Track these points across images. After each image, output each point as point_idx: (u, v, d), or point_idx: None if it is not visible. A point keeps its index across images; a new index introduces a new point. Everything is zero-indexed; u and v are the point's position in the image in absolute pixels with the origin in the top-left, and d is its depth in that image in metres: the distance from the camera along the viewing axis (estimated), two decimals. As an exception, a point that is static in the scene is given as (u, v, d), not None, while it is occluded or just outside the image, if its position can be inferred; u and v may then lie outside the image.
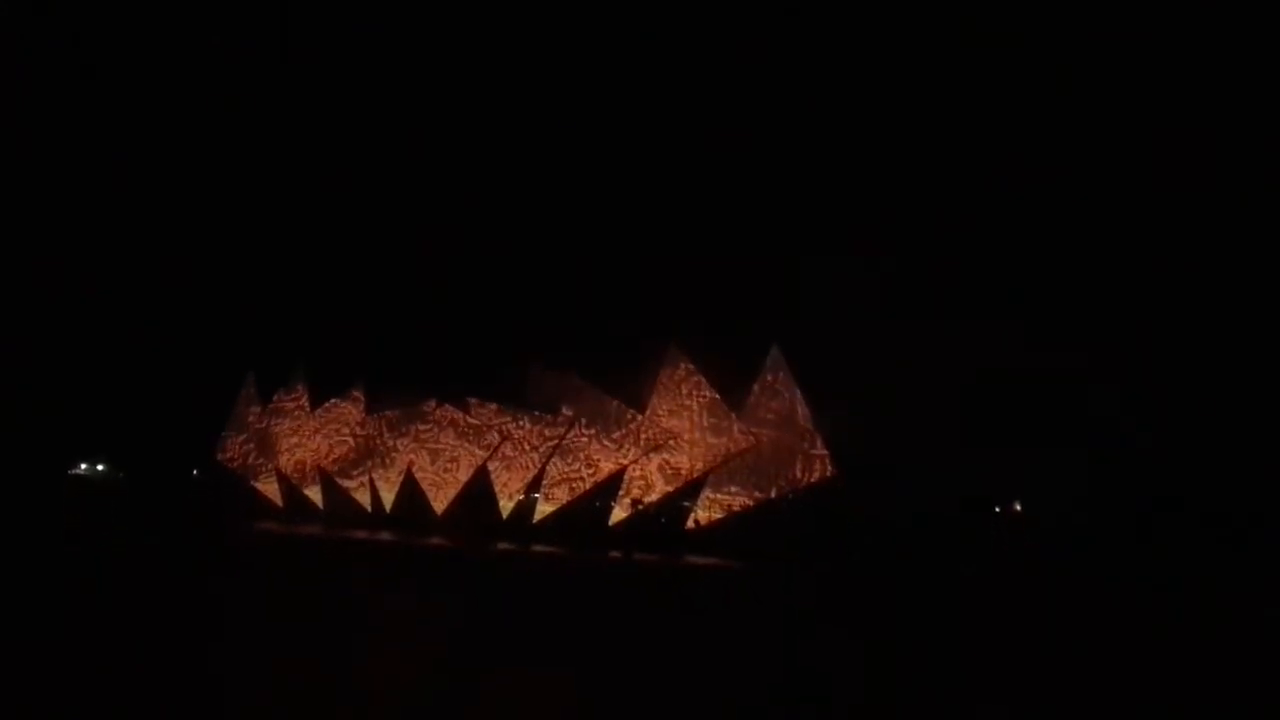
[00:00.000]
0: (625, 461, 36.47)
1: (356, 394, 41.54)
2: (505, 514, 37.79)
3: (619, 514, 36.33)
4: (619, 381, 37.47)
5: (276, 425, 42.61)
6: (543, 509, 37.51)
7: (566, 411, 37.85)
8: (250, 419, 43.51)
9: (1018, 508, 45.23)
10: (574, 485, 37.07)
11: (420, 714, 9.56)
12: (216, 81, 76.27)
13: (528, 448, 37.97)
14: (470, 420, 39.06)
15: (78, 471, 67.21)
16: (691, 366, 36.39)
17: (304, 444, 41.82)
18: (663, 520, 36.73)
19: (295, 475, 42.00)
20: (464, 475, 38.58)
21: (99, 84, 74.57)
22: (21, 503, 39.60)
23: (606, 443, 36.82)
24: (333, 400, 41.85)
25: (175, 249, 65.73)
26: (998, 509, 45.49)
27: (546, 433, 37.79)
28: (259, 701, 9.73)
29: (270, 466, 42.58)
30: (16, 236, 62.74)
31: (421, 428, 39.76)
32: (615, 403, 37.09)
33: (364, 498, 40.20)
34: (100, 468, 68.25)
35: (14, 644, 11.69)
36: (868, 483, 37.27)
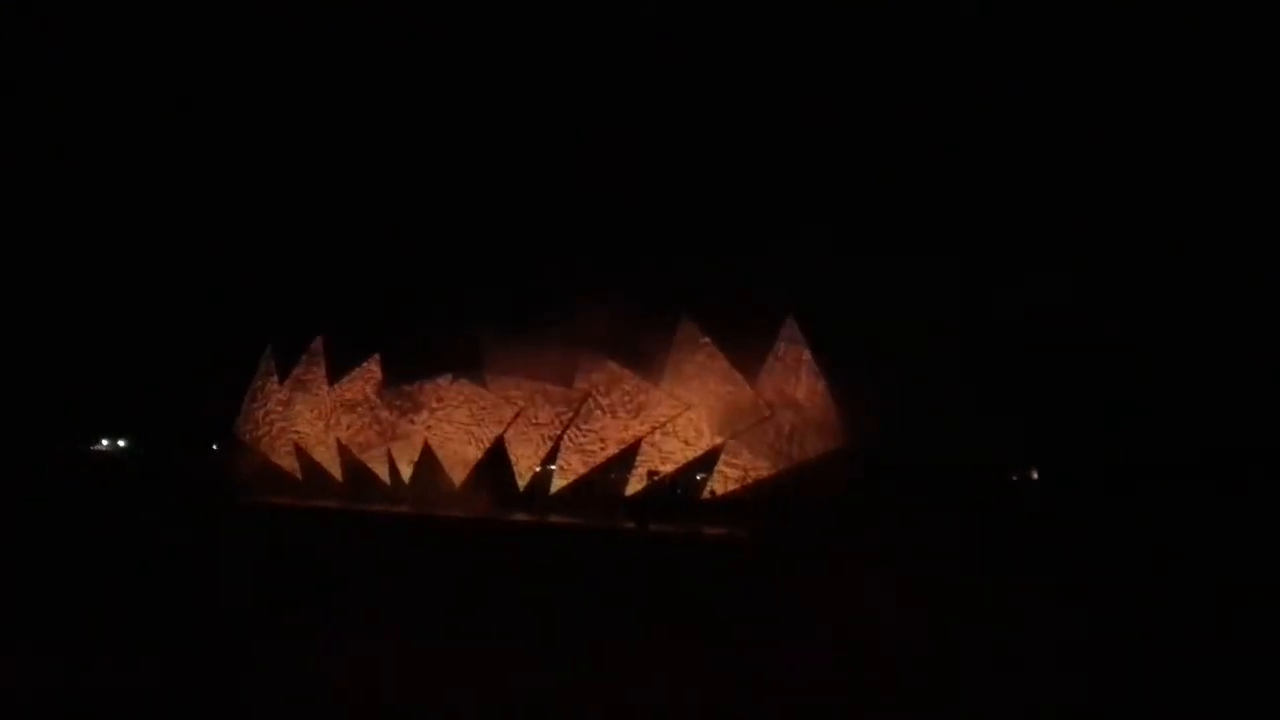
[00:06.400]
0: (640, 433, 36.64)
1: (373, 368, 41.75)
2: (521, 486, 38.09)
3: (634, 485, 36.56)
4: (633, 355, 37.53)
5: (295, 399, 42.86)
6: (559, 481, 37.79)
7: (581, 385, 37.97)
8: (269, 393, 43.74)
9: (1035, 476, 45.23)
10: (589, 457, 37.30)
11: (440, 685, 9.68)
12: (236, 59, 76.14)
13: (543, 421, 38.16)
14: (486, 394, 39.23)
15: (99, 448, 67.85)
16: (706, 339, 36.46)
17: (322, 417, 42.10)
18: (678, 491, 36.96)
19: (313, 449, 42.33)
20: (480, 448, 38.83)
21: (116, 60, 74.60)
22: (42, 480, 40.12)
23: (621, 415, 36.98)
24: (350, 374, 42.06)
25: (193, 225, 65.93)
26: (1015, 477, 45.51)
27: (561, 406, 37.96)
28: (282, 675, 9.89)
29: (289, 440, 42.90)
30: (37, 212, 63.14)
31: (438, 401, 39.97)
32: (630, 375, 37.20)
33: (382, 471, 40.52)
34: (122, 444, 68.83)
35: (35, 625, 11.86)
36: (884, 455, 37.30)
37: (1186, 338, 43.09)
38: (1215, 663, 11.88)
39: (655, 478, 36.18)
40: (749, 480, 35.57)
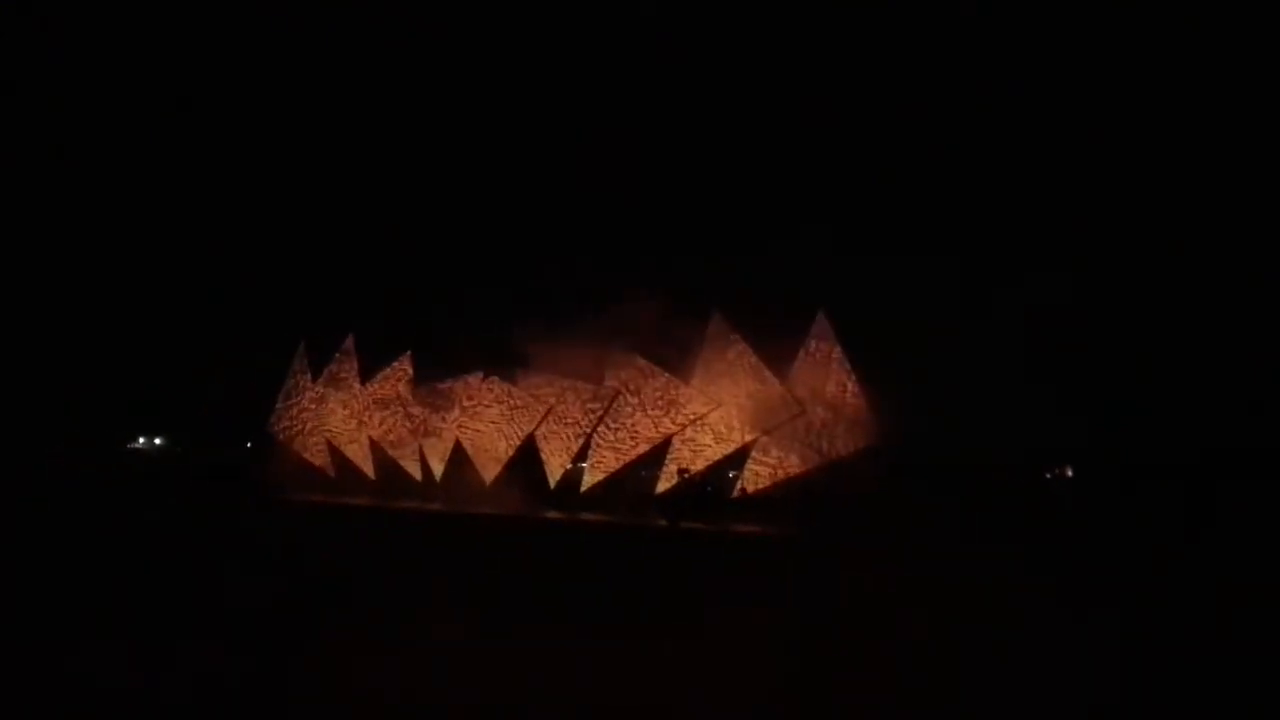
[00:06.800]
0: (671, 430, 36.61)
1: (405, 365, 42.05)
2: (553, 483, 38.21)
3: (665, 483, 36.53)
4: (663, 352, 37.48)
5: (327, 396, 43.26)
6: (589, 478, 37.86)
7: (611, 382, 37.99)
8: (302, 390, 44.17)
9: (1070, 473, 44.64)
10: (620, 454, 37.33)
11: (470, 682, 9.70)
12: (268, 52, 77.01)
13: (574, 418, 38.25)
14: (517, 391, 39.39)
15: (136, 446, 68.84)
16: (736, 335, 36.34)
17: (354, 415, 42.48)
18: (709, 489, 36.87)
19: (346, 446, 42.70)
20: (512, 445, 39.01)
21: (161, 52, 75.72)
22: (79, 478, 40.77)
23: (652, 412, 36.95)
24: (382, 372, 42.39)
25: (227, 224, 66.83)
26: (1049, 475, 44.95)
27: (592, 403, 38.02)
28: (311, 671, 9.95)
29: (322, 437, 43.30)
30: (70, 210, 64.29)
31: (469, 399, 40.20)
32: (660, 372, 37.17)
33: (414, 468, 40.82)
34: (158, 441, 69.78)
35: (76, 622, 11.99)
36: (916, 453, 37.03)
37: (1232, 334, 42.33)
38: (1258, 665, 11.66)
39: (685, 475, 36.15)
40: (780, 478, 35.43)
